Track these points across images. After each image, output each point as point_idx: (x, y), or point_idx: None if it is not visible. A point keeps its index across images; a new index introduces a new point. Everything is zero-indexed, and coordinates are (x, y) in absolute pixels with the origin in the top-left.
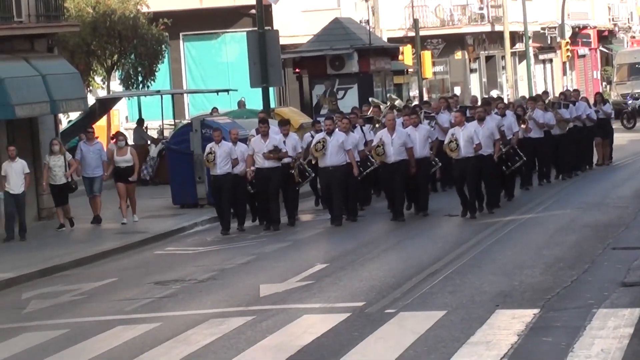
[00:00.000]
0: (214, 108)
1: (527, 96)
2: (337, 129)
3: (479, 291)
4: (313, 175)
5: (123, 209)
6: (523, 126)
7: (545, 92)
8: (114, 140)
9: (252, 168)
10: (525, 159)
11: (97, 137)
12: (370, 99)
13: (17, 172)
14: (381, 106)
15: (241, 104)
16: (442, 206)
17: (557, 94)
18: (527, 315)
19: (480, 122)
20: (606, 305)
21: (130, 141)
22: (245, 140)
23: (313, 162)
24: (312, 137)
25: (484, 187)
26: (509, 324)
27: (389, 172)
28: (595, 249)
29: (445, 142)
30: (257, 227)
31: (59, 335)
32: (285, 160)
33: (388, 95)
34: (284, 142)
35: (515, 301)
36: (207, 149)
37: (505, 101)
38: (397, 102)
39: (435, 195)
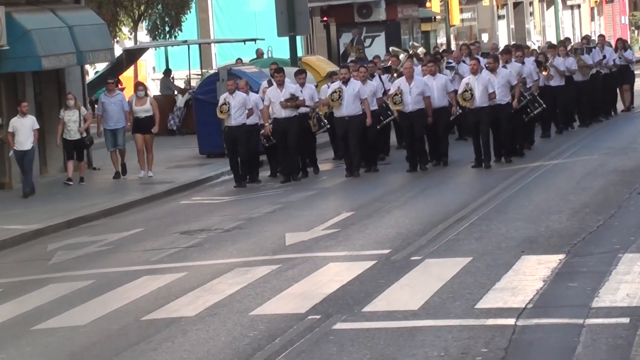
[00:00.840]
0: (239, 59)
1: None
2: (352, 78)
3: (505, 237)
4: (329, 125)
5: (141, 162)
6: (545, 73)
7: (567, 39)
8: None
9: (270, 121)
10: (545, 106)
11: (124, 88)
12: (390, 48)
13: (26, 128)
14: (400, 55)
15: (259, 53)
16: (464, 155)
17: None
18: (553, 260)
19: (494, 73)
20: (632, 249)
21: (157, 91)
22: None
23: (327, 113)
24: (328, 87)
25: (502, 137)
26: (534, 270)
27: (407, 121)
28: (622, 194)
29: (460, 91)
30: (274, 179)
31: (85, 286)
32: (302, 110)
33: (410, 43)
34: (301, 91)
35: (541, 247)
36: (221, 100)
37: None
38: (420, 50)
39: (456, 144)
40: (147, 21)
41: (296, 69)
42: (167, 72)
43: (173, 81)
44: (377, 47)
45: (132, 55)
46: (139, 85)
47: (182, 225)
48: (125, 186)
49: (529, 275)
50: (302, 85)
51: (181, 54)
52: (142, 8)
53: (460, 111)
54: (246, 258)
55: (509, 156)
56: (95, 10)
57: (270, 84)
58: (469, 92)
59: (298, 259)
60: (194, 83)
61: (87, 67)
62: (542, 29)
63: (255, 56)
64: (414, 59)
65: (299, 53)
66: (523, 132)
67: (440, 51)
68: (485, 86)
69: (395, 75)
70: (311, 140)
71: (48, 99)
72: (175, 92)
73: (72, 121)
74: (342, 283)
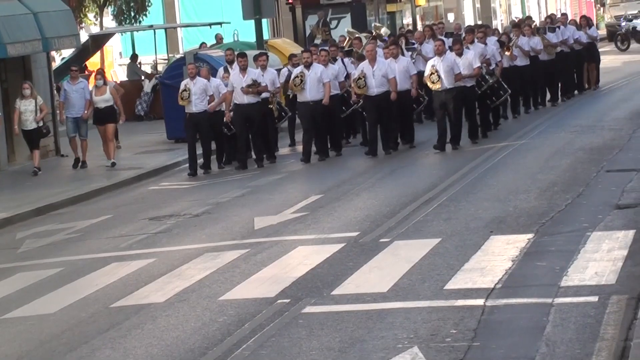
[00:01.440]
0: (203, 43)
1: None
2: (314, 62)
3: (474, 218)
4: (290, 114)
5: (105, 151)
6: (507, 53)
7: (529, 17)
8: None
9: (230, 109)
10: (510, 91)
11: (91, 73)
12: (346, 30)
13: (29, 110)
14: (362, 37)
15: (219, 38)
16: (429, 138)
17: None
18: (522, 240)
19: (459, 55)
20: (600, 228)
21: (124, 77)
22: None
23: (290, 96)
24: (289, 71)
25: (466, 118)
26: (503, 250)
27: (374, 104)
28: (590, 172)
29: (426, 74)
30: (227, 167)
31: (54, 274)
32: (264, 95)
33: (372, 24)
34: (262, 76)
35: (510, 227)
36: (182, 86)
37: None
38: (383, 31)
39: (420, 127)
40: (112, 7)
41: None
42: (134, 57)
43: (140, 66)
44: (343, 29)
45: (98, 41)
46: (97, 74)
47: (151, 211)
48: (93, 173)
49: (498, 256)
50: (264, 68)
51: (147, 39)
52: None
53: (427, 99)
54: (215, 243)
55: (474, 138)
56: None
57: (226, 70)
58: (436, 74)
59: (267, 243)
60: (160, 68)
61: (53, 53)
62: (507, 8)
63: (215, 41)
64: (377, 41)
65: (265, 36)
66: (488, 115)
67: (405, 32)
68: (451, 67)
69: (357, 58)
70: (271, 126)
71: (14, 86)
72: (142, 78)
73: (29, 111)
74: (311, 266)
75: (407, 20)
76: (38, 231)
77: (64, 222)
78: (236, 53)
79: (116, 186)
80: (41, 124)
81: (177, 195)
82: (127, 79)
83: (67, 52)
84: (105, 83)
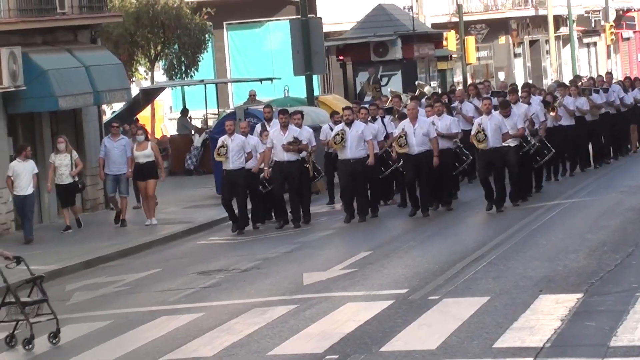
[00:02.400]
0: (251, 91)
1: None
2: (356, 120)
3: (523, 276)
4: (323, 174)
5: (145, 210)
6: (552, 114)
7: (578, 77)
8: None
9: (268, 167)
10: (554, 151)
11: (143, 126)
12: (389, 90)
13: (27, 172)
14: (402, 96)
15: (252, 94)
16: (479, 195)
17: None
18: (571, 300)
19: (506, 116)
20: None
21: (174, 131)
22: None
23: (332, 155)
24: (331, 129)
25: (509, 180)
26: (552, 309)
27: (413, 164)
28: (639, 232)
29: (472, 132)
30: (269, 226)
31: (103, 326)
32: (302, 153)
33: (416, 82)
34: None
35: (559, 286)
36: (219, 142)
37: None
38: (426, 89)
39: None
40: (163, 61)
41: (317, 109)
42: (184, 111)
43: (190, 121)
44: (394, 86)
45: (149, 95)
46: (139, 129)
47: (200, 265)
48: (142, 227)
49: (547, 315)
50: (299, 126)
51: (198, 93)
52: (159, 48)
53: (471, 158)
54: (264, 298)
55: (516, 200)
56: (111, 50)
57: (263, 127)
58: (482, 132)
59: (316, 299)
60: (210, 122)
61: (104, 106)
62: (558, 67)
63: (274, 95)
64: (420, 100)
65: (316, 92)
66: (530, 177)
67: (447, 91)
68: (499, 126)
69: (397, 116)
70: (307, 186)
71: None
72: (193, 132)
73: (64, 165)
74: (360, 323)
75: (458, 78)
76: (88, 283)
77: (113, 274)
78: (277, 110)
79: (165, 240)
80: (77, 179)
81: (226, 250)
82: (177, 133)
83: (118, 106)
84: (146, 138)
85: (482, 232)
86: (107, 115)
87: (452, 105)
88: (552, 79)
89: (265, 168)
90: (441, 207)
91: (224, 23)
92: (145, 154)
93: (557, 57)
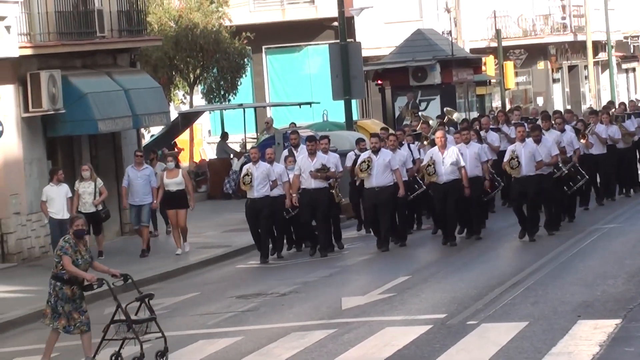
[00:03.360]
0: (292, 123)
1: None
2: (382, 148)
3: (561, 302)
4: (343, 200)
5: (175, 239)
6: (583, 141)
7: (611, 103)
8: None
9: (296, 194)
10: (587, 177)
11: (181, 150)
12: (420, 113)
13: (60, 196)
14: (430, 122)
15: (269, 121)
16: (501, 226)
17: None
18: (609, 325)
19: (537, 142)
20: None
21: (213, 154)
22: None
23: (357, 182)
24: (356, 155)
25: (543, 208)
26: (590, 335)
27: (441, 192)
28: None
29: (506, 159)
30: (295, 254)
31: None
32: (330, 180)
33: (445, 109)
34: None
35: (597, 311)
36: (244, 170)
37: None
38: (455, 116)
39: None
40: (202, 84)
41: (355, 134)
42: (224, 135)
43: (229, 145)
44: (432, 110)
45: (187, 119)
46: (169, 156)
47: (239, 289)
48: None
49: (585, 340)
50: (325, 152)
51: (237, 118)
52: (198, 71)
53: (503, 185)
54: (302, 322)
55: (551, 229)
56: (150, 74)
57: (290, 153)
58: (516, 160)
59: (354, 323)
60: (249, 146)
61: (143, 130)
62: (597, 93)
63: (312, 120)
64: (446, 127)
65: (354, 116)
66: (561, 204)
67: (462, 120)
68: (533, 154)
69: (425, 142)
70: (336, 213)
71: (104, 162)
72: (231, 156)
73: (88, 193)
74: (398, 347)
75: (496, 103)
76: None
77: (151, 299)
78: (305, 137)
79: (203, 264)
80: (100, 207)
81: (264, 274)
82: (216, 156)
83: (156, 130)
84: (177, 165)
85: (520, 257)
86: (146, 139)
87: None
88: (590, 105)
89: (293, 194)
90: (470, 236)
91: (263, 47)
92: (176, 181)
93: (596, 82)
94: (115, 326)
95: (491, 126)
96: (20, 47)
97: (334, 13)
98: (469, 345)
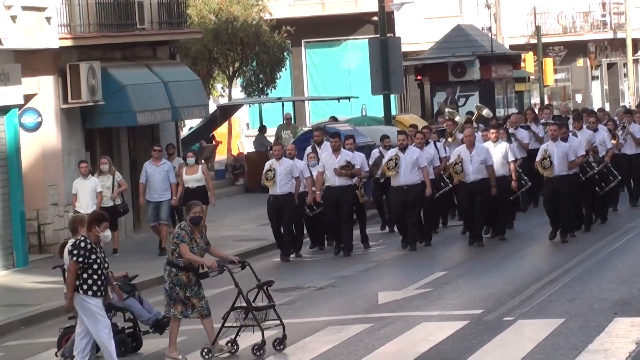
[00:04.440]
0: (332, 117)
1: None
2: (410, 145)
3: (598, 299)
4: (366, 199)
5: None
6: (614, 142)
7: None
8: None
9: (320, 191)
10: (620, 178)
11: (219, 143)
12: (447, 110)
13: (86, 190)
14: (457, 118)
15: (287, 117)
16: (523, 230)
17: None
18: None
19: (563, 140)
20: None
21: (251, 148)
22: (366, 148)
23: (382, 180)
24: (381, 153)
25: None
26: (627, 332)
27: (469, 191)
28: None
29: (538, 158)
30: (318, 251)
31: (179, 342)
32: (354, 179)
33: (476, 104)
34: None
35: (634, 309)
36: (267, 166)
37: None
38: (485, 112)
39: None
40: (241, 78)
41: (393, 129)
42: (262, 129)
43: (267, 138)
44: (471, 106)
45: (226, 112)
46: (189, 152)
47: (276, 282)
48: (218, 242)
49: (622, 338)
50: (351, 151)
51: (275, 111)
52: (237, 65)
53: (530, 184)
54: (339, 316)
55: (565, 235)
56: (190, 66)
57: (314, 149)
58: (548, 159)
59: (391, 318)
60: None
61: (183, 122)
62: (635, 90)
63: (351, 114)
64: (474, 123)
65: (393, 111)
66: (593, 205)
67: (491, 117)
68: (566, 153)
69: (450, 139)
70: (361, 212)
71: (142, 154)
72: (269, 149)
73: (106, 187)
74: (435, 343)
75: (535, 99)
76: (161, 299)
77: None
78: (330, 132)
79: (240, 257)
80: (119, 201)
81: (301, 267)
82: (254, 149)
83: (193, 122)
84: (197, 162)
85: (557, 254)
86: (184, 132)
87: (509, 130)
88: (627, 103)
89: (317, 192)
90: (494, 236)
91: (303, 41)
92: (196, 177)
93: (635, 80)
94: (235, 313)
95: (521, 124)
96: (60, 39)
97: (374, 8)
98: (505, 341)
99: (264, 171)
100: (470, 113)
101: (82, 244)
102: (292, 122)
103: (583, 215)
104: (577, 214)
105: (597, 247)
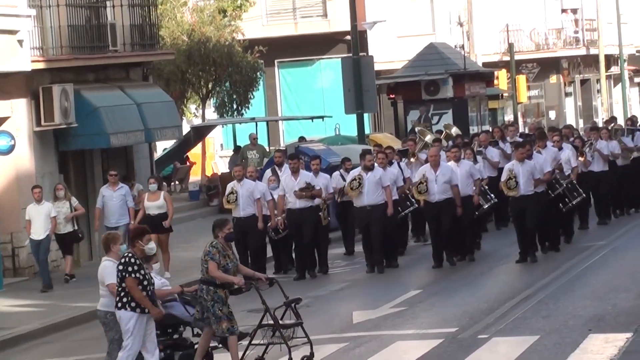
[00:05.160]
0: (301, 138)
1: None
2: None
3: (572, 315)
4: (329, 220)
5: (163, 261)
6: (581, 159)
7: (614, 118)
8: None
9: (282, 216)
10: (584, 195)
11: (193, 164)
12: (417, 129)
13: (42, 215)
14: (427, 137)
15: (252, 138)
16: (495, 248)
17: None
18: (621, 339)
19: (528, 158)
20: None
21: (225, 168)
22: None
23: (338, 200)
24: (342, 176)
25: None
26: (602, 348)
27: (434, 211)
28: None
29: (503, 178)
30: (282, 275)
31: None
32: (317, 200)
33: (444, 124)
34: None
35: (609, 325)
36: (228, 189)
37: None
38: (454, 130)
39: (487, 236)
40: (215, 98)
41: (365, 146)
42: (237, 149)
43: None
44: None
45: (199, 133)
46: (151, 177)
47: (250, 303)
48: (190, 264)
49: (597, 354)
50: (316, 172)
51: (249, 131)
52: (210, 85)
53: (496, 200)
54: (314, 336)
55: (528, 257)
56: (163, 88)
57: (274, 172)
58: (514, 179)
59: (366, 337)
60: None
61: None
62: (609, 107)
63: (325, 134)
64: (443, 141)
65: (367, 130)
66: (558, 223)
67: (456, 135)
68: (532, 172)
69: (412, 159)
70: (324, 234)
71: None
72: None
73: (62, 213)
74: None
75: (509, 117)
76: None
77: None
78: (288, 154)
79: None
80: (76, 227)
81: (274, 287)
82: (228, 170)
83: (168, 143)
84: (159, 188)
85: (531, 271)
86: (159, 153)
87: (479, 149)
88: (602, 119)
89: (279, 215)
90: (462, 258)
91: (276, 61)
92: (157, 204)
93: (608, 96)
94: (262, 331)
95: (490, 140)
96: (33, 61)
97: (347, 27)
98: (480, 359)
99: (226, 194)
100: (440, 132)
101: (133, 260)
102: (257, 142)
103: (552, 233)
104: (545, 233)
105: (571, 264)
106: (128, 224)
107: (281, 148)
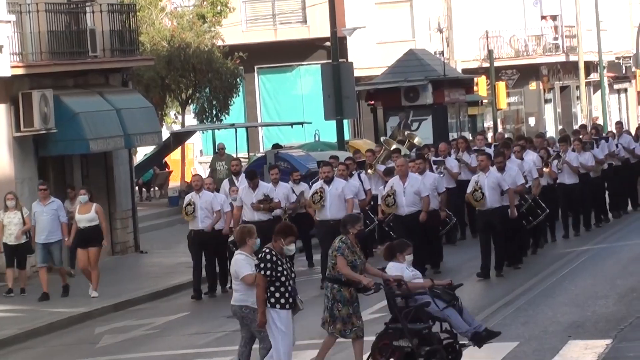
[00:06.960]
0: (275, 145)
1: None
2: (336, 177)
3: (552, 322)
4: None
5: (89, 280)
6: (546, 170)
7: (583, 127)
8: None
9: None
10: (548, 211)
11: (171, 171)
12: (382, 139)
13: (14, 223)
14: (393, 147)
15: (220, 147)
16: (475, 255)
17: (636, 124)
18: (600, 345)
19: (500, 170)
20: None
21: (205, 174)
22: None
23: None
24: (292, 189)
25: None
26: (581, 355)
27: (403, 225)
28: None
29: (468, 190)
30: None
31: None
32: (277, 211)
33: (407, 132)
34: (274, 191)
35: (588, 331)
36: (186, 200)
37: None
38: (417, 140)
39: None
40: (194, 104)
41: (347, 154)
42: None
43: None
44: (424, 131)
45: (179, 139)
46: (81, 189)
47: (229, 309)
48: (172, 269)
49: None
50: (275, 182)
51: (229, 137)
52: (190, 91)
53: (455, 220)
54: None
55: (516, 264)
56: (142, 94)
57: (231, 183)
58: (479, 191)
59: (346, 343)
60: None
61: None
62: (588, 113)
63: (304, 140)
64: (409, 152)
65: (346, 136)
66: (523, 239)
67: (422, 146)
68: (497, 184)
69: (370, 171)
70: None
71: (95, 182)
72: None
73: (13, 224)
74: None
75: (488, 123)
76: (117, 326)
77: (142, 317)
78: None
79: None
80: (27, 238)
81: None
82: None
83: (148, 149)
84: (91, 199)
85: (510, 278)
86: (139, 158)
87: (439, 159)
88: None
89: (234, 228)
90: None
91: (255, 67)
92: (88, 217)
93: (588, 103)
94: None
95: (452, 151)
96: (12, 67)
97: (326, 33)
98: None
99: (184, 205)
100: (401, 142)
101: (268, 256)
102: (226, 152)
103: (521, 245)
104: (514, 246)
105: (551, 270)
106: (61, 241)
107: (273, 152)
